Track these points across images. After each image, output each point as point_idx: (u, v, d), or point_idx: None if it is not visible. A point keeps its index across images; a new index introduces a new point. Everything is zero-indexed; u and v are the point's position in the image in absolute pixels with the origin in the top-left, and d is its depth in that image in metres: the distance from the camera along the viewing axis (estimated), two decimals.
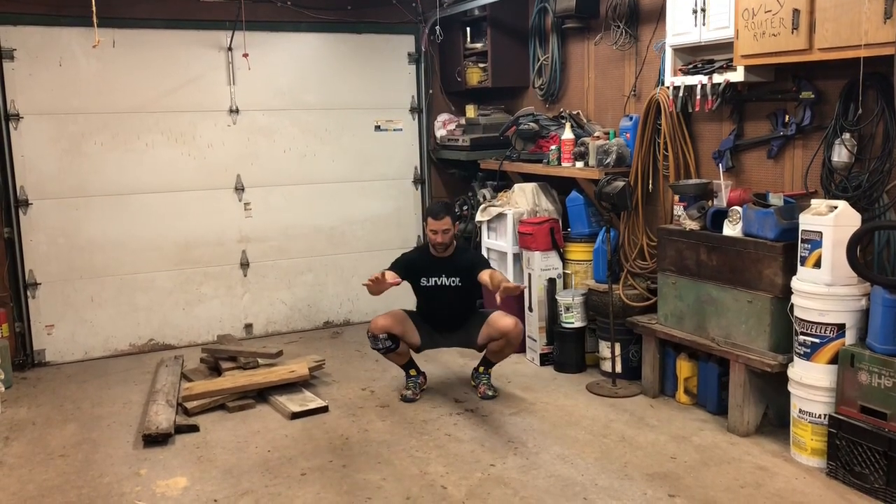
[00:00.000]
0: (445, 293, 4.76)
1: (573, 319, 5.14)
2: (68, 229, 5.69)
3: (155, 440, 4.17)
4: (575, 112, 5.60)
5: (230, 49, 5.97)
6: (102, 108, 5.70)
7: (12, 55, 5.40)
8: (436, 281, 4.75)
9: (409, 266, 4.80)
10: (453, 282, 4.73)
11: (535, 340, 5.37)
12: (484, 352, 4.80)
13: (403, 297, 6.72)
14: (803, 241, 3.66)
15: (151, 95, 5.84)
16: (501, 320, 4.65)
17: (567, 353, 5.20)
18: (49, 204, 5.61)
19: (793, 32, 3.57)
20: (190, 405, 4.57)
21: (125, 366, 5.65)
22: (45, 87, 5.53)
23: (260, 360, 5.21)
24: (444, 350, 5.23)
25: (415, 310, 4.96)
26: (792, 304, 3.74)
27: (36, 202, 5.57)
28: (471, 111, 6.49)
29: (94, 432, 4.42)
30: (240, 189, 6.17)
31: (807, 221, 3.63)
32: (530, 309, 5.41)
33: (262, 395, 4.78)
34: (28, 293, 5.62)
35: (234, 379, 4.85)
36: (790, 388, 3.79)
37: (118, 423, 4.56)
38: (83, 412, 4.75)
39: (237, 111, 6.09)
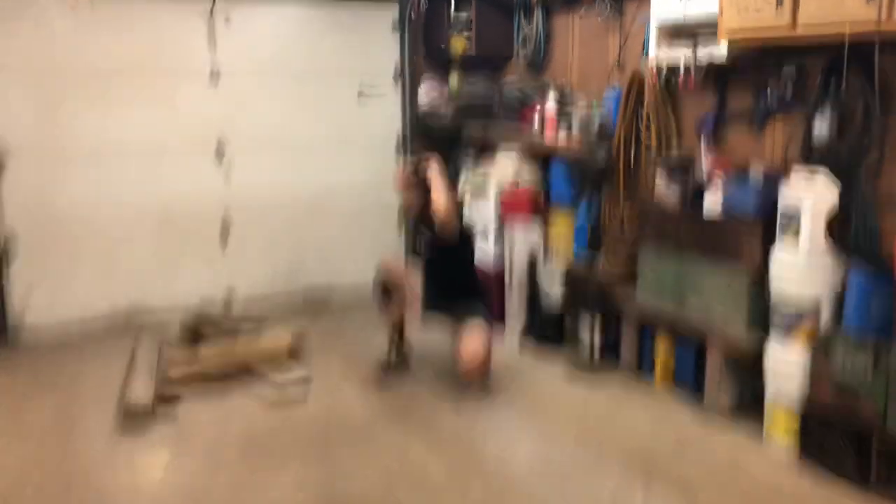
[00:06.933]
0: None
1: (553, 297, 5.12)
2: (45, 193, 5.57)
3: (135, 414, 4.15)
4: (559, 82, 5.55)
5: (212, 12, 5.82)
6: (80, 69, 5.56)
7: None
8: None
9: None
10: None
11: (514, 319, 5.36)
12: None
13: None
14: (782, 214, 3.67)
15: (131, 58, 5.69)
16: (466, 348, 4.38)
17: (546, 331, 5.17)
18: (24, 166, 5.48)
19: (777, 9, 3.53)
20: (170, 378, 4.55)
21: (104, 334, 5.60)
22: (21, 48, 5.38)
23: (241, 330, 5.18)
24: (429, 330, 5.11)
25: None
26: (770, 279, 3.75)
27: (10, 164, 5.45)
28: (455, 80, 6.41)
29: (72, 405, 4.39)
30: (220, 155, 6.08)
31: (786, 195, 3.64)
32: (510, 285, 5.40)
33: (243, 367, 4.76)
34: (3, 258, 5.55)
35: (215, 351, 4.84)
36: (766, 370, 3.80)
37: (97, 395, 4.51)
38: (61, 383, 4.72)
39: (218, 76, 5.98)
